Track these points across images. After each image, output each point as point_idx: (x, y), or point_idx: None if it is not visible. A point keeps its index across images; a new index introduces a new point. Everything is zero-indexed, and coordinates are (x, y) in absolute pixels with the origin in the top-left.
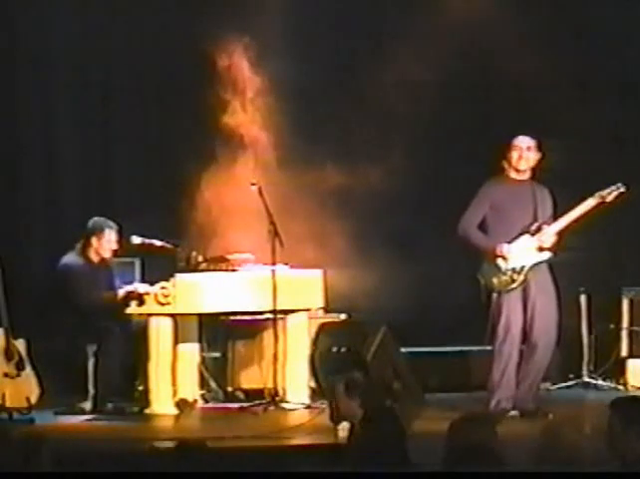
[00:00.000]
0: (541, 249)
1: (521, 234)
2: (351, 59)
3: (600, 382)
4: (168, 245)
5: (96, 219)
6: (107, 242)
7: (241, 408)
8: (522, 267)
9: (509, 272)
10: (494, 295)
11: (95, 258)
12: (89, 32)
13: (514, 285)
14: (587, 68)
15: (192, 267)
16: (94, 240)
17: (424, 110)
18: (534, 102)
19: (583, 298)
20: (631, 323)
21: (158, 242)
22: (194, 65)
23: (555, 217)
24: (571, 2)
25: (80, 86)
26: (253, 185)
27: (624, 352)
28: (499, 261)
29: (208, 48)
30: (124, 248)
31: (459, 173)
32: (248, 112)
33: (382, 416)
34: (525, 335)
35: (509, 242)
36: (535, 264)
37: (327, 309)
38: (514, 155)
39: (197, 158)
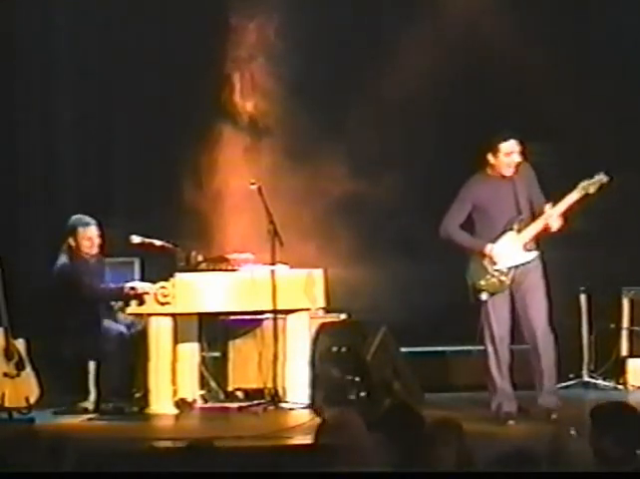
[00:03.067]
0: (528, 248)
1: (506, 231)
2: (363, 60)
3: (600, 382)
4: (168, 245)
5: (73, 217)
6: (84, 240)
7: (241, 408)
8: (509, 269)
9: (497, 274)
10: (487, 296)
11: (80, 258)
12: (89, 25)
13: (502, 288)
14: (586, 66)
15: (192, 267)
16: (71, 241)
17: (427, 111)
18: (536, 103)
19: (583, 298)
20: (631, 323)
21: (157, 242)
22: (196, 63)
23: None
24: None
25: (80, 85)
26: (253, 184)
27: (624, 352)
28: (486, 263)
29: (213, 45)
30: (124, 248)
31: (460, 174)
32: (252, 111)
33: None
34: (513, 337)
35: (494, 241)
36: (523, 264)
37: (327, 309)
38: (503, 160)
39: (198, 157)
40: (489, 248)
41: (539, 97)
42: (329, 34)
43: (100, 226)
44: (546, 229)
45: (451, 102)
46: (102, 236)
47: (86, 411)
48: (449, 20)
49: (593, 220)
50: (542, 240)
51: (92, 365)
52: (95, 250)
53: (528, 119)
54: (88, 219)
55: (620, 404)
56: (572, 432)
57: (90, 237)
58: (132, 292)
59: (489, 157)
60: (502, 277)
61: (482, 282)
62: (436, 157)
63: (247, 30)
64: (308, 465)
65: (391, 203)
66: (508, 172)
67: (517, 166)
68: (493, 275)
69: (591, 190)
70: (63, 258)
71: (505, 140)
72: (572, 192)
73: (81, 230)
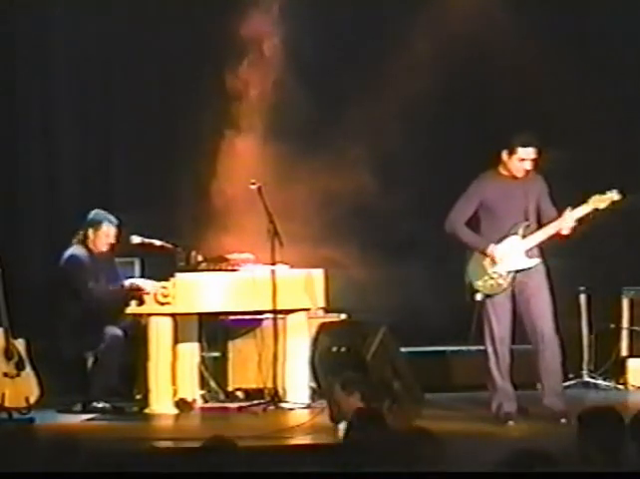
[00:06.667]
0: (530, 254)
1: (511, 234)
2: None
3: (600, 382)
4: (168, 245)
5: (96, 211)
6: (104, 236)
7: (241, 408)
8: (508, 273)
9: (495, 276)
10: (481, 297)
11: (94, 250)
12: (89, 23)
13: (499, 290)
14: (588, 67)
15: (192, 267)
16: (90, 232)
17: (430, 114)
18: (539, 104)
19: (583, 298)
20: (631, 323)
21: (157, 242)
22: (197, 61)
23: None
24: (572, 2)
25: (80, 83)
26: (253, 184)
27: (624, 352)
28: (485, 264)
29: (214, 44)
30: (124, 248)
31: (460, 175)
32: (252, 110)
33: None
34: (514, 337)
35: (498, 242)
36: (522, 270)
37: (327, 309)
38: (515, 163)
39: (198, 156)
40: (491, 249)
41: (555, 103)
42: (344, 32)
43: (119, 227)
44: (553, 237)
45: (456, 105)
46: (117, 236)
47: (84, 411)
48: (464, 21)
49: (593, 220)
50: (543, 243)
51: (90, 365)
52: (105, 248)
53: (543, 126)
54: (112, 217)
55: (606, 409)
56: (563, 421)
57: (109, 234)
58: (135, 291)
59: (504, 155)
60: (500, 280)
61: (480, 283)
62: (438, 158)
63: (253, 28)
64: (308, 465)
65: (391, 203)
66: (519, 174)
67: (527, 172)
68: (492, 277)
69: (601, 205)
70: (76, 249)
71: (524, 145)
72: (582, 205)
73: (105, 225)
